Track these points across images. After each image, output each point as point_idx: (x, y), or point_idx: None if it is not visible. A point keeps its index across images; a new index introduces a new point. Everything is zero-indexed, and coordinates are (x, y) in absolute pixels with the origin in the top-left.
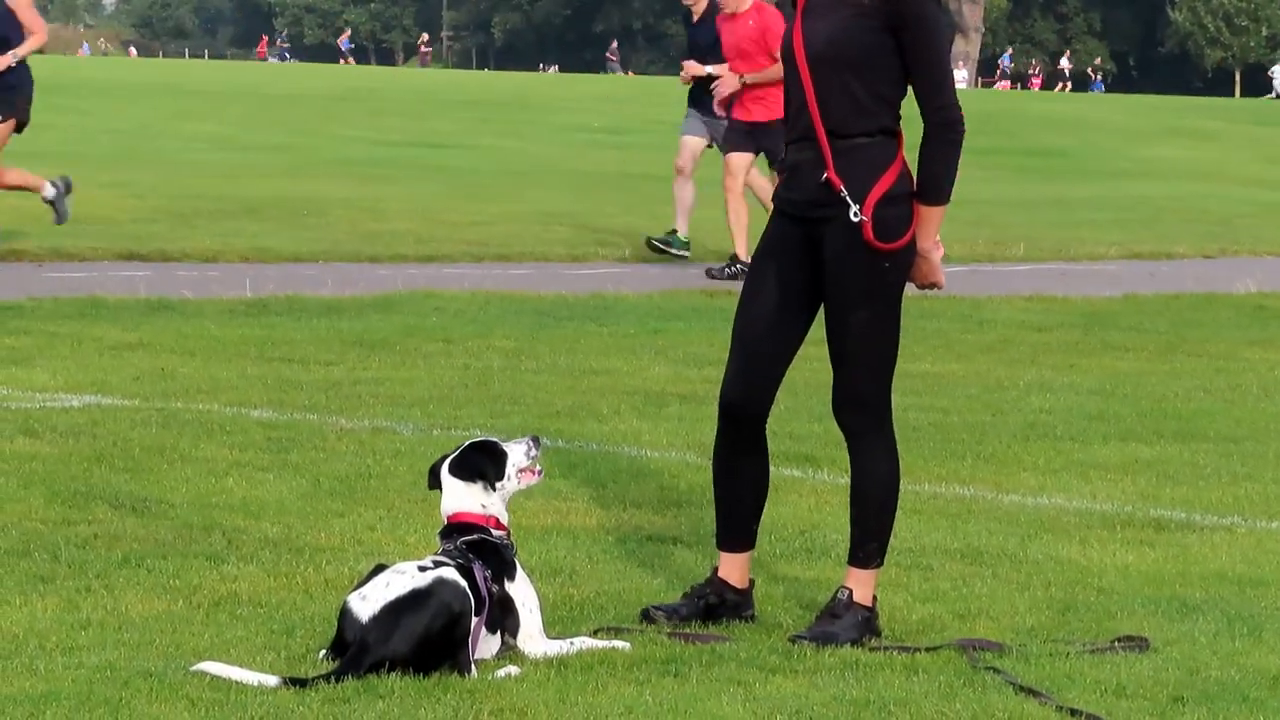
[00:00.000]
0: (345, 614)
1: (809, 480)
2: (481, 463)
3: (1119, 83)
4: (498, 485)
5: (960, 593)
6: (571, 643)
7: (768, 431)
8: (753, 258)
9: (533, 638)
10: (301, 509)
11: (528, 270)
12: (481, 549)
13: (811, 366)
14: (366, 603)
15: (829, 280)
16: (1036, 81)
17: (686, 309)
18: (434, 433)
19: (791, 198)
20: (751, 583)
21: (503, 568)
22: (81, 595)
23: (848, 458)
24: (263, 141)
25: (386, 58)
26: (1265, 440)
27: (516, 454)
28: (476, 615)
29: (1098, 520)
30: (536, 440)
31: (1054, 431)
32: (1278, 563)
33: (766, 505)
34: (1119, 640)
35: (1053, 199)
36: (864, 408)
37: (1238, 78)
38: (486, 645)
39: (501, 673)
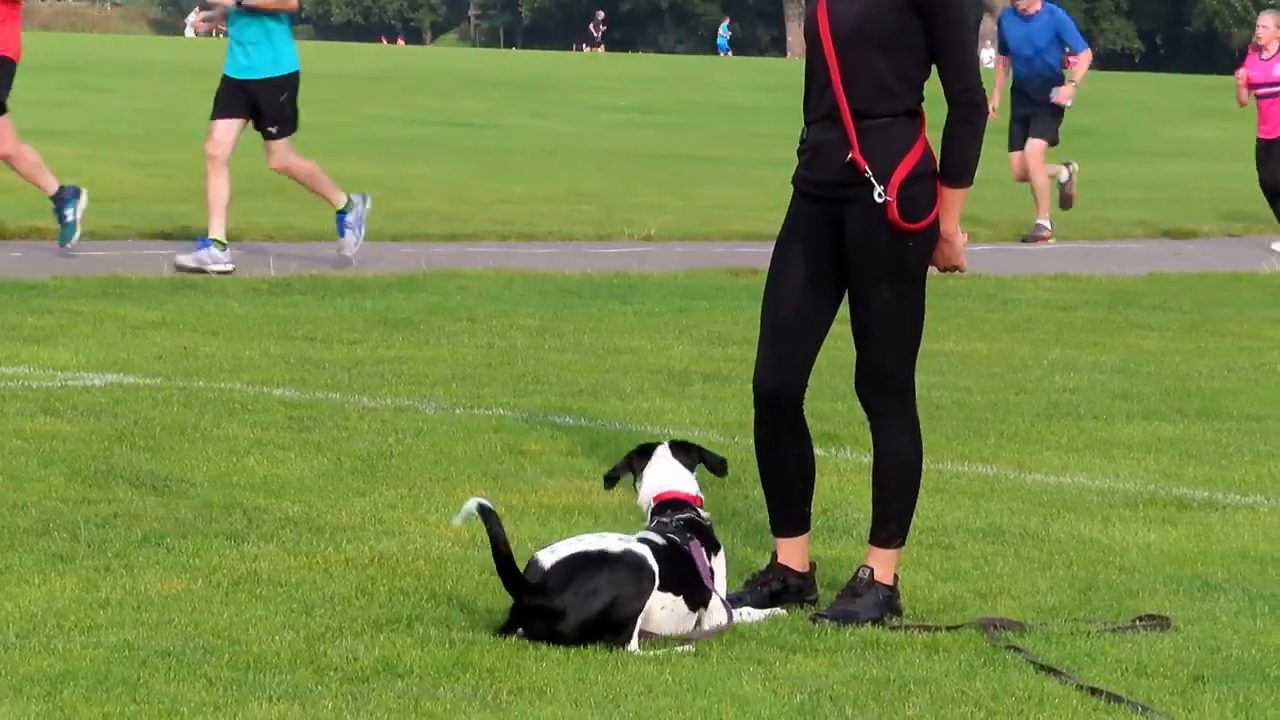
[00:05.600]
0: (532, 561)
1: (831, 459)
2: (698, 451)
3: (1147, 62)
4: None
5: (982, 571)
6: (740, 614)
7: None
8: (777, 241)
9: (717, 609)
10: (322, 488)
11: (553, 249)
12: (693, 526)
13: (834, 344)
14: (554, 554)
15: (852, 260)
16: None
17: (711, 288)
18: (456, 412)
19: (814, 178)
20: (813, 565)
21: (711, 545)
22: (101, 574)
23: (870, 436)
24: None
25: (415, 37)
26: None
27: None
28: (679, 593)
29: (1120, 499)
30: None
31: (1077, 410)
32: None
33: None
34: (1140, 619)
35: (1079, 178)
36: (887, 388)
37: None
38: (686, 622)
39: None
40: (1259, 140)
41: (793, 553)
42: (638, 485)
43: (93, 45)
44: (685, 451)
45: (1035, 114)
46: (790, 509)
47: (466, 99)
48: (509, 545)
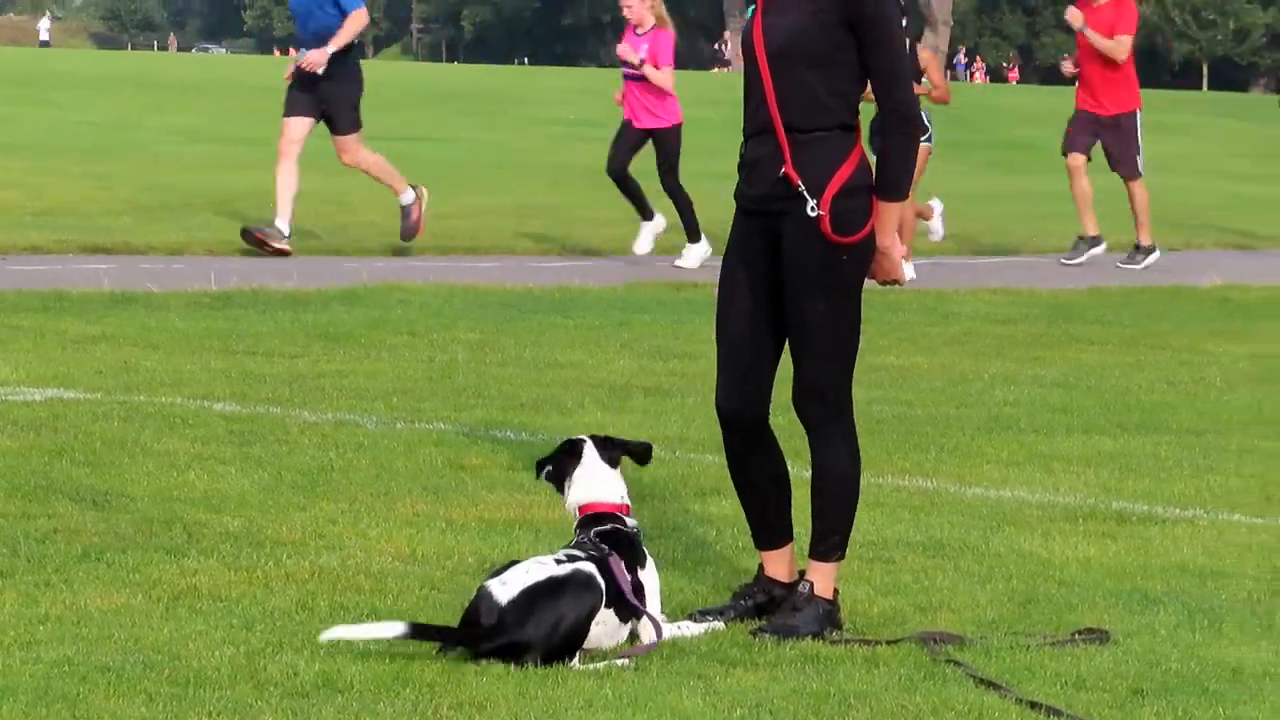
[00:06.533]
0: (482, 596)
1: None
2: (621, 445)
3: None
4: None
5: (922, 585)
6: (679, 627)
7: None
8: (723, 259)
9: (646, 624)
10: (263, 502)
11: (494, 263)
12: (615, 540)
13: None
14: (506, 587)
15: (787, 273)
16: (1013, 75)
17: (652, 301)
18: (397, 426)
19: (751, 192)
20: (802, 574)
21: (636, 557)
22: (40, 590)
23: (808, 450)
24: (236, 134)
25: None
26: (1227, 433)
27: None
28: (609, 607)
29: (1060, 513)
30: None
31: (1017, 424)
32: (1238, 555)
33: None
34: (1079, 633)
35: (1020, 192)
36: (823, 400)
37: (1205, 71)
38: (618, 634)
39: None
40: (626, 122)
41: (779, 565)
42: (567, 487)
43: (34, 59)
44: (608, 449)
45: None
46: (769, 523)
47: (410, 112)
48: (448, 627)
